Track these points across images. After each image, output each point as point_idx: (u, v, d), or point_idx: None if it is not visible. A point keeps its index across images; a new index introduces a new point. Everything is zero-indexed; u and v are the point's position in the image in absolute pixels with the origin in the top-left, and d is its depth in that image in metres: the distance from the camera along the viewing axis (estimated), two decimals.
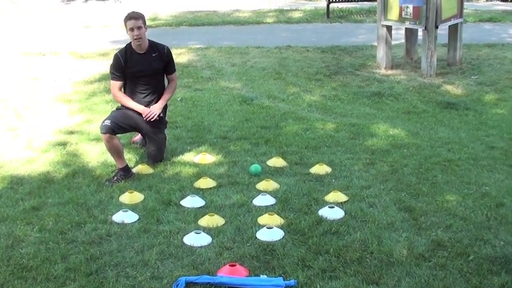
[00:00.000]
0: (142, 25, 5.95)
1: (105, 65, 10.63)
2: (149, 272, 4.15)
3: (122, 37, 11.93)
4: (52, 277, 4.10)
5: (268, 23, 15.89)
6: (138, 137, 6.69)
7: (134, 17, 5.93)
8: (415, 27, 9.96)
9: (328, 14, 16.20)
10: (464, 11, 10.70)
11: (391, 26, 10.22)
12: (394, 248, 4.41)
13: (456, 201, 5.22)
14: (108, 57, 10.97)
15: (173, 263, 4.28)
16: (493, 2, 19.14)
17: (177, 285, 3.94)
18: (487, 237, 4.59)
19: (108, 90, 9.08)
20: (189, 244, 4.52)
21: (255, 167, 5.93)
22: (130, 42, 6.04)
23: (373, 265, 4.21)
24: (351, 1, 16.97)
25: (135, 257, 4.35)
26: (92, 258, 4.33)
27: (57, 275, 4.12)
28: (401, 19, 9.85)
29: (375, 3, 11.90)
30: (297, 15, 16.81)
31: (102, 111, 7.94)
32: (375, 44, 10.96)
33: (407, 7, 9.67)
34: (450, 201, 5.23)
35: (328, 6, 16.25)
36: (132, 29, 5.90)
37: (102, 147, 6.60)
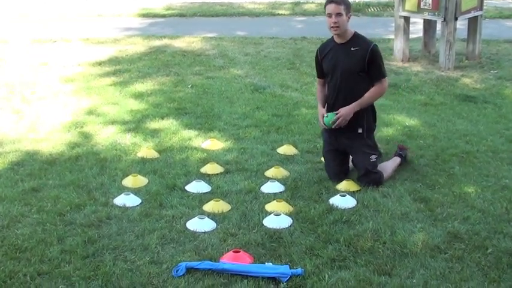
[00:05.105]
0: (344, 12, 5.01)
1: (113, 51, 10.50)
2: (148, 257, 3.97)
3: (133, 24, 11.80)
4: (46, 259, 3.93)
5: (284, 15, 15.65)
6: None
7: (335, 1, 5.01)
8: (433, 18, 9.66)
9: None
10: (484, 7, 10.37)
11: (409, 17, 9.94)
12: (408, 239, 4.19)
13: (474, 193, 4.98)
14: (118, 44, 10.85)
15: (174, 248, 4.09)
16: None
17: (177, 271, 3.75)
18: (506, 230, 4.36)
19: (116, 74, 8.94)
20: (192, 229, 4.33)
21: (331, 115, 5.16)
22: None
23: (385, 255, 4.00)
24: None
25: (135, 241, 4.17)
26: (90, 241, 4.16)
27: (51, 257, 3.95)
28: (419, 10, 9.56)
29: None
30: (313, 7, 16.55)
31: (108, 96, 7.77)
32: (392, 37, 10.70)
33: None
34: (468, 193, 5.00)
35: None
36: (330, 15, 5.02)
37: (107, 131, 6.44)
